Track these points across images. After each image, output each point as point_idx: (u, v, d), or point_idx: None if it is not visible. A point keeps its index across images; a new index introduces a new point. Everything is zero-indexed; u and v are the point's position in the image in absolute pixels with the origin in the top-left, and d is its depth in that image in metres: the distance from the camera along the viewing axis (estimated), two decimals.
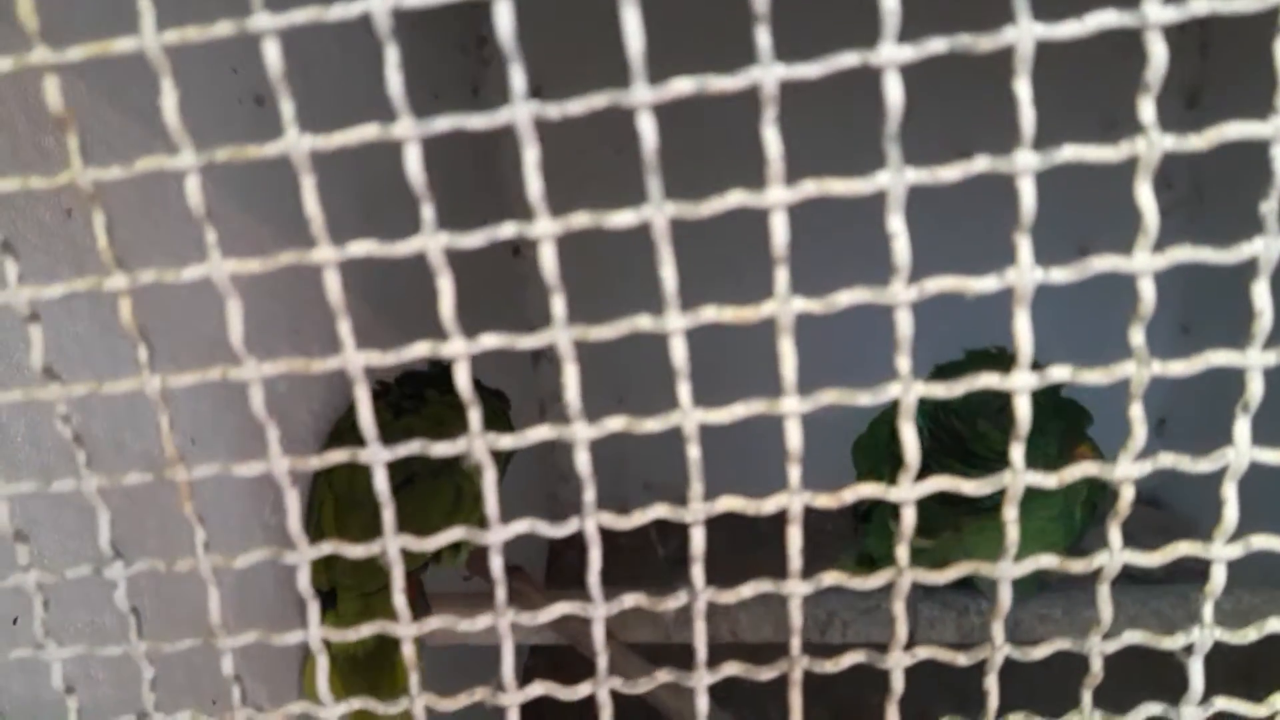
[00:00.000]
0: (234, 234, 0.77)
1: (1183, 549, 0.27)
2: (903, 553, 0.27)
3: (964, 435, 0.75)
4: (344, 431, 0.93)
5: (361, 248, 0.25)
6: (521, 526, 0.28)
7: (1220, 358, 0.25)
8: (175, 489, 0.28)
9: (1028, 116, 0.23)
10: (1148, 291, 0.24)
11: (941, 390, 0.25)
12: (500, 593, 0.28)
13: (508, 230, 0.25)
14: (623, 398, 1.62)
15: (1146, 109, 0.23)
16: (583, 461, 0.27)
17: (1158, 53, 0.22)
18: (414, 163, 0.24)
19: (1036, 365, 0.27)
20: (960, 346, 0.81)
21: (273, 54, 0.23)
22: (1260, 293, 0.24)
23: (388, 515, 0.28)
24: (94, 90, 0.60)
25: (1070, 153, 0.23)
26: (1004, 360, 0.76)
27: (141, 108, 0.63)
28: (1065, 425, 0.73)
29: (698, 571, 0.28)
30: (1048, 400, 0.73)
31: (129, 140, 0.62)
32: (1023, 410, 0.25)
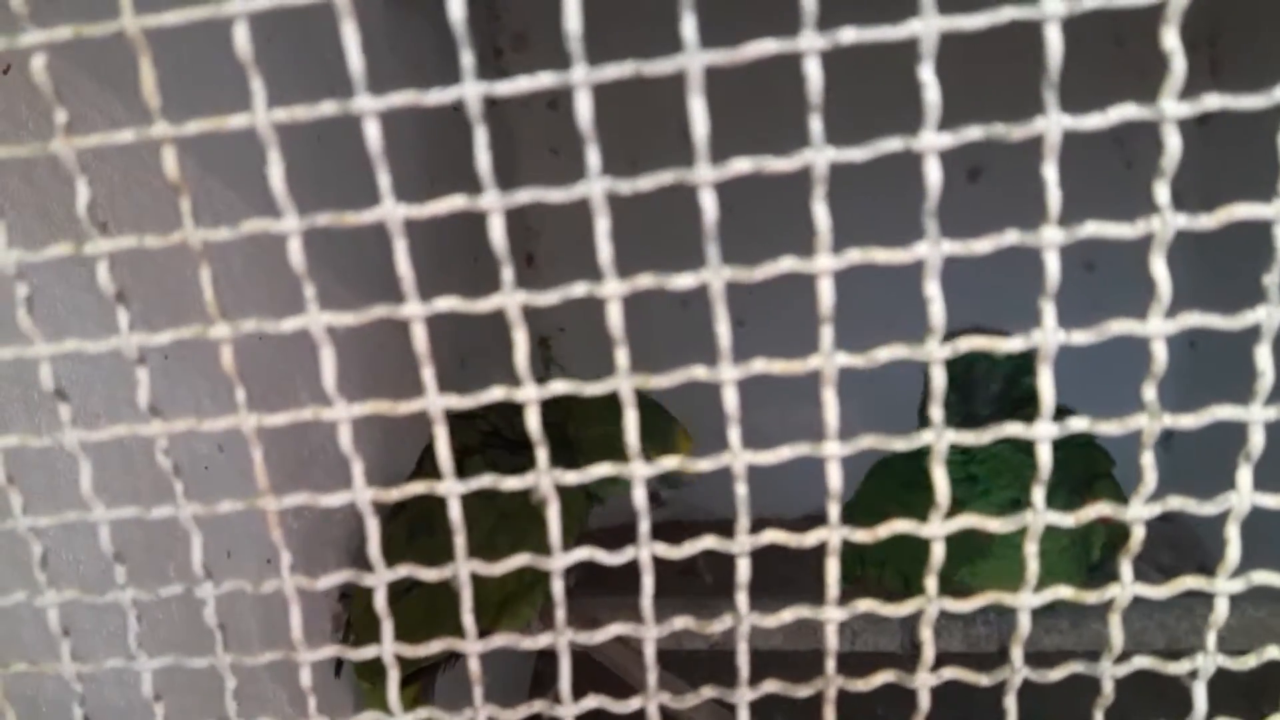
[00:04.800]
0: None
1: (1189, 583, 0.29)
2: (932, 584, 0.29)
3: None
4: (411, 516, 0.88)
5: (446, 304, 0.27)
6: (581, 554, 0.30)
7: (1225, 412, 0.27)
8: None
9: (1054, 197, 0.25)
10: (1160, 353, 0.26)
11: (971, 438, 0.28)
12: (560, 613, 0.31)
13: (579, 289, 0.27)
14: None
15: (1162, 192, 0.25)
16: (639, 497, 0.29)
17: (1173, 144, 0.24)
18: (497, 231, 0.26)
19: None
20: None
21: (373, 132, 0.26)
22: (1263, 355, 0.26)
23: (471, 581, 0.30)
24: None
25: (1092, 228, 0.25)
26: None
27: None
28: (1083, 458, 0.76)
29: (742, 599, 0.30)
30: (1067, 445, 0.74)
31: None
32: (1044, 458, 0.27)
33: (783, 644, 1.03)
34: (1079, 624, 0.82)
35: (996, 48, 0.99)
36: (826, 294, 0.26)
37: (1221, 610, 0.30)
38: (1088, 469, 0.76)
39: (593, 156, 0.25)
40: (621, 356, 0.28)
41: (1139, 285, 0.28)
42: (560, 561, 0.30)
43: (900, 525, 0.29)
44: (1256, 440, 0.27)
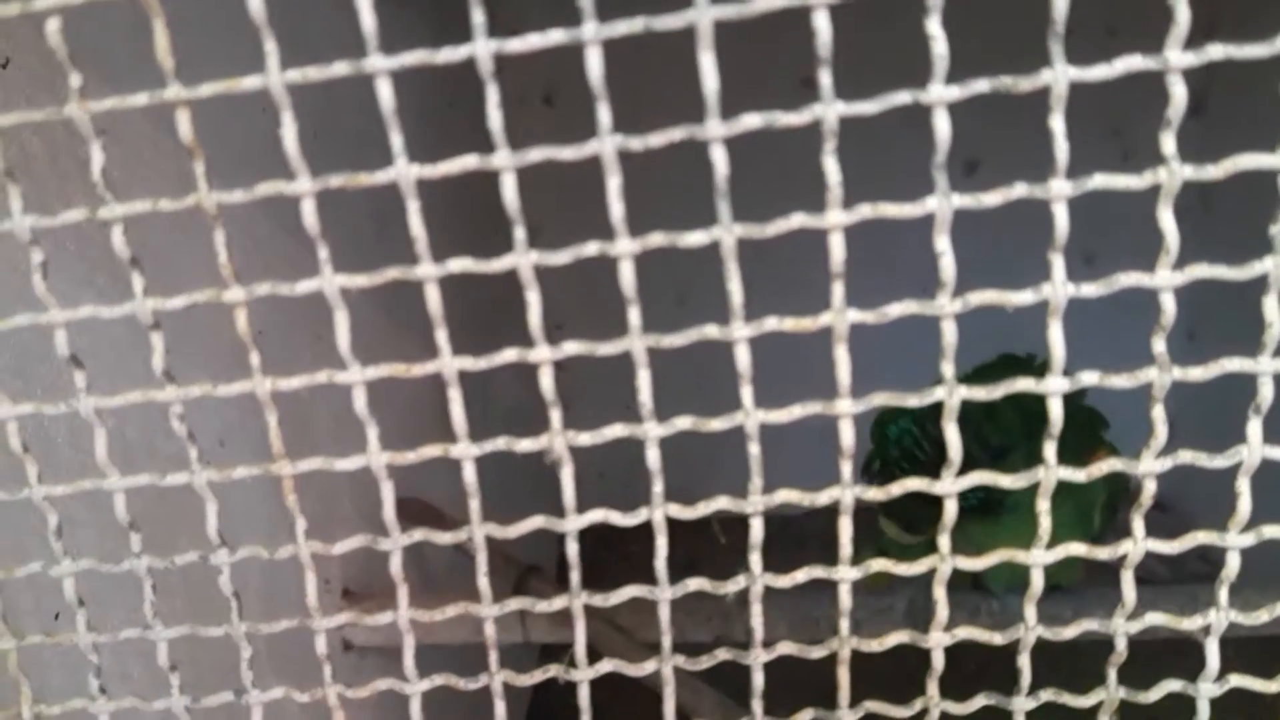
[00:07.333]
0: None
1: (1200, 538, 0.29)
2: (944, 541, 0.29)
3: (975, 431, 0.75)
4: None
5: (459, 264, 0.28)
6: (596, 515, 0.30)
7: (1234, 364, 0.28)
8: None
9: (1062, 149, 0.25)
10: (1168, 305, 0.26)
11: (982, 393, 0.28)
12: (574, 576, 0.31)
13: (590, 249, 0.27)
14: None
15: (1168, 142, 0.25)
16: (653, 457, 0.29)
17: (1178, 93, 0.24)
18: (510, 190, 0.26)
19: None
20: (982, 346, 0.82)
21: (385, 93, 0.26)
22: (1271, 306, 0.26)
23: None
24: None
25: (1099, 180, 0.26)
26: (1031, 365, 0.78)
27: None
28: (1082, 428, 0.75)
29: (755, 559, 0.30)
30: (1066, 403, 0.75)
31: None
32: (1055, 411, 0.28)
33: (786, 635, 1.03)
34: (1083, 611, 0.82)
35: (1002, 15, 0.99)
36: (838, 250, 0.27)
37: (1233, 564, 0.30)
38: (1086, 434, 0.75)
39: (603, 114, 0.26)
40: (634, 315, 0.28)
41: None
42: (574, 523, 0.30)
43: (914, 484, 0.29)
44: (1266, 393, 0.28)
